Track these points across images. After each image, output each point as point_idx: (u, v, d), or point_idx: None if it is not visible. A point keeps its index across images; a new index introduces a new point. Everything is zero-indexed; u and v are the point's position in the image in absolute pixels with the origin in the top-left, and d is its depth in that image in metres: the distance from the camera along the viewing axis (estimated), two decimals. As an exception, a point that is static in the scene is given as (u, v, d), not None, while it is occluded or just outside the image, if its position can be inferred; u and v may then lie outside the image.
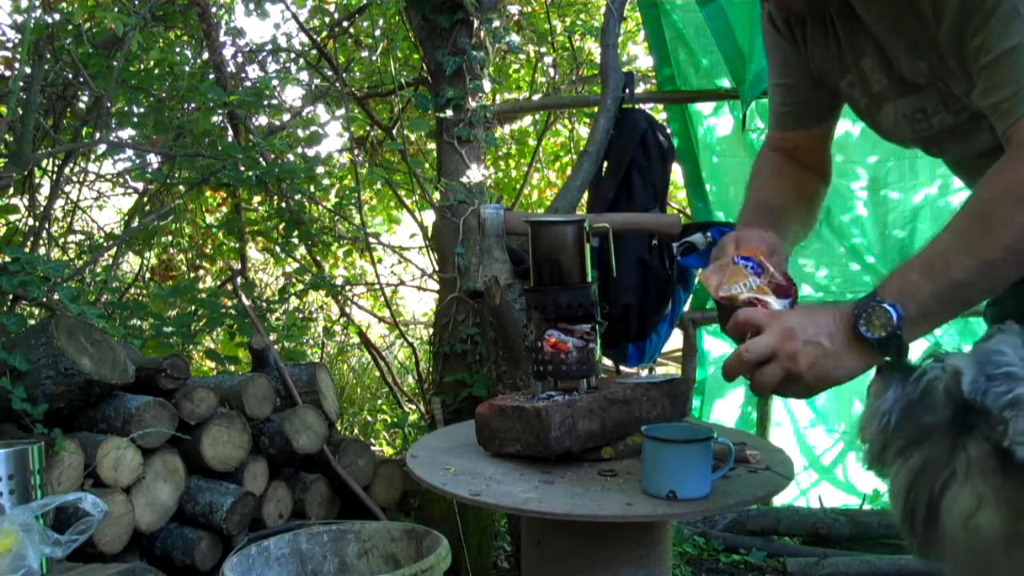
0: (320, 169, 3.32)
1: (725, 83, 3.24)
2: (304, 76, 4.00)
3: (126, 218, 3.98)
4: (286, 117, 3.85)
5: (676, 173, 3.56)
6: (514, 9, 4.38)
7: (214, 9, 3.73)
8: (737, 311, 1.17)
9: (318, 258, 3.94)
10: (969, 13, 1.09)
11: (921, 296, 1.07)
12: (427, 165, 4.00)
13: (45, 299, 2.25)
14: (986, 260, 1.05)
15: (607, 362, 3.12)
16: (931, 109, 1.28)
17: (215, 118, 3.36)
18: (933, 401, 0.98)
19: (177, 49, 3.76)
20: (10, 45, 3.04)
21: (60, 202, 3.69)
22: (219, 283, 4.15)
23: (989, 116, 1.14)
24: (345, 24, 4.07)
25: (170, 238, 4.26)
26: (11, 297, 2.27)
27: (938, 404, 0.97)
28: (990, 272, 1.06)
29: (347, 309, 4.24)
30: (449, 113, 3.09)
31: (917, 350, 1.08)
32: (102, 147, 3.41)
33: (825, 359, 1.07)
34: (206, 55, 3.67)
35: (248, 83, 3.73)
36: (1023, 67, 1.07)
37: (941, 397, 0.97)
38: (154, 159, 3.53)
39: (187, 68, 3.51)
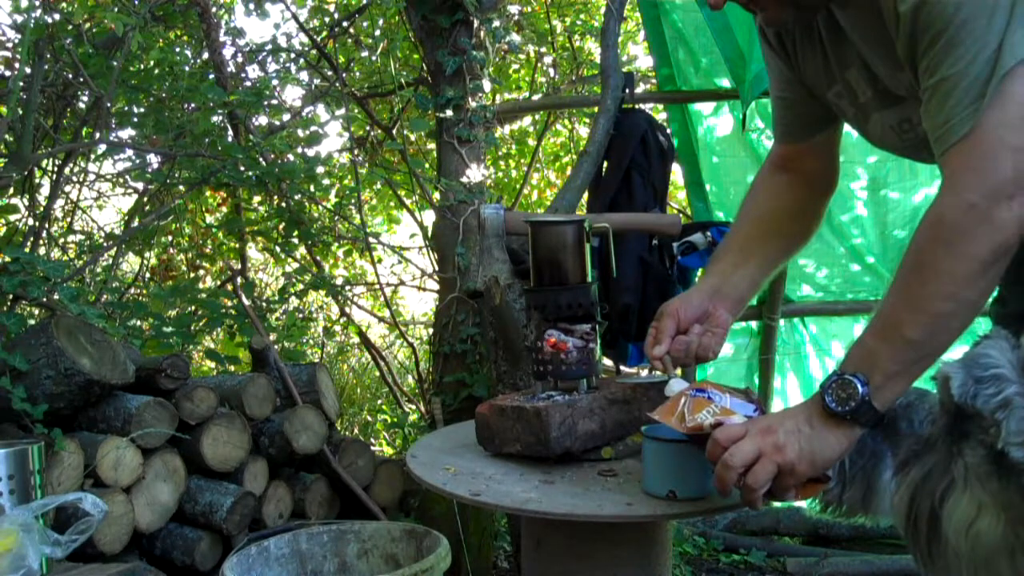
0: (320, 169, 3.32)
1: (725, 83, 3.24)
2: (304, 76, 4.00)
3: (126, 218, 3.98)
4: (286, 117, 3.85)
5: (676, 173, 3.56)
6: (514, 9, 4.38)
7: (214, 9, 3.73)
8: (713, 432, 1.16)
9: (318, 258, 3.94)
10: (918, 34, 1.08)
11: (881, 362, 1.06)
12: (427, 165, 4.00)
13: (45, 299, 2.25)
14: (932, 312, 1.05)
15: (607, 362, 3.12)
16: (915, 119, 1.27)
17: (215, 118, 3.36)
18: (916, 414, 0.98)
19: (177, 49, 3.76)
20: (10, 45, 3.05)
21: (60, 202, 3.69)
22: (219, 283, 4.15)
23: (931, 140, 1.13)
24: (345, 24, 4.07)
25: (170, 238, 4.26)
26: (11, 297, 2.27)
27: (929, 415, 0.97)
28: (941, 323, 1.05)
29: (347, 309, 4.24)
30: (449, 113, 3.09)
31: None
32: (102, 147, 3.41)
33: (810, 442, 1.07)
34: (206, 55, 3.67)
35: (248, 83, 3.73)
36: (957, 97, 1.05)
37: (924, 411, 0.97)
38: (154, 159, 3.53)
39: (187, 68, 3.51)
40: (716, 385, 1.31)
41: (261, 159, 3.10)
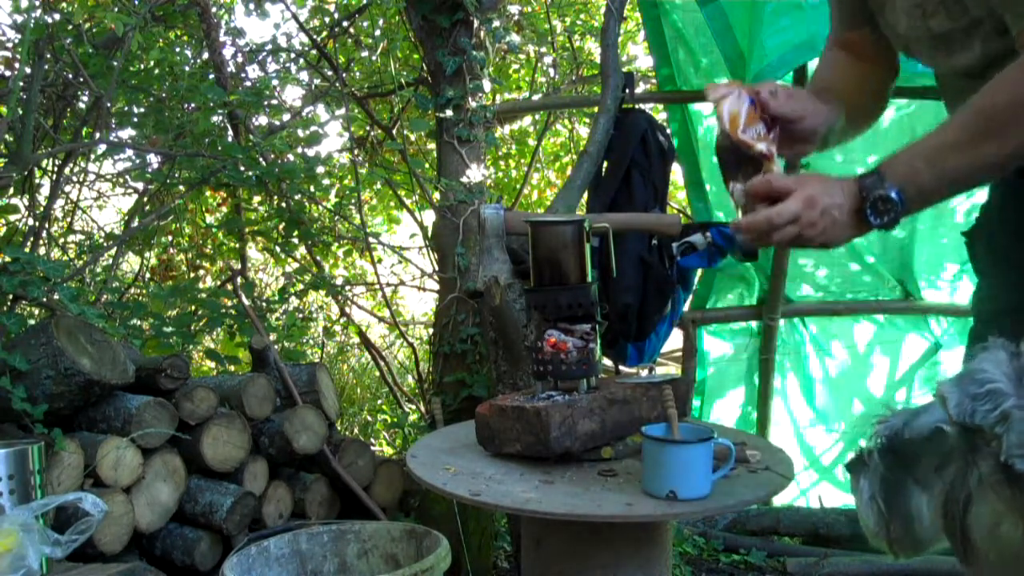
0: (320, 169, 3.32)
1: (725, 83, 3.24)
2: (304, 76, 4.00)
3: (126, 218, 3.98)
4: (286, 117, 3.84)
5: (676, 173, 3.56)
6: (514, 9, 4.38)
7: (214, 9, 3.73)
8: (769, 178, 1.23)
9: (318, 258, 3.94)
10: None
11: (920, 182, 1.16)
12: (427, 165, 4.00)
13: (45, 299, 2.25)
14: (981, 163, 1.14)
15: (607, 362, 3.12)
16: (930, 9, 1.29)
17: (215, 118, 3.36)
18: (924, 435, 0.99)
19: (177, 49, 3.75)
20: (10, 45, 3.04)
21: (60, 202, 3.69)
22: (219, 283, 4.15)
23: (1010, 12, 1.15)
24: (345, 24, 4.07)
25: (170, 238, 4.26)
26: (11, 297, 2.27)
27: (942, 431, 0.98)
28: (983, 171, 1.17)
29: (347, 309, 4.24)
30: (449, 113, 3.09)
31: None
32: (102, 147, 3.41)
33: (834, 228, 1.19)
34: (206, 55, 3.67)
35: (248, 83, 3.73)
36: None
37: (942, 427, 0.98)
38: (154, 159, 3.53)
39: (187, 68, 3.51)
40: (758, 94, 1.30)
41: (261, 159, 3.09)
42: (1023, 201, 1.42)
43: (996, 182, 1.48)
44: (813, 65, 2.61)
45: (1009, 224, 1.48)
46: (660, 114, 3.86)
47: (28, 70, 2.56)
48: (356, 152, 3.99)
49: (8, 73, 3.06)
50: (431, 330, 3.45)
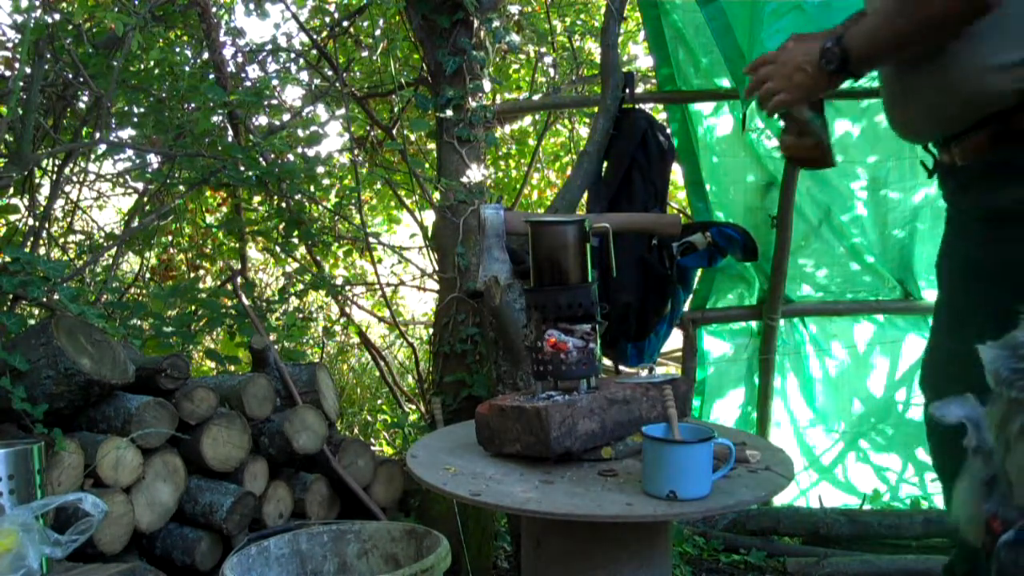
0: (320, 169, 3.32)
1: (725, 83, 3.24)
2: (304, 76, 4.00)
3: (126, 218, 3.98)
4: (286, 117, 3.84)
5: (676, 173, 3.56)
6: (514, 9, 4.38)
7: (214, 9, 3.73)
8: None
9: (318, 258, 3.94)
10: None
11: (859, 45, 1.49)
12: (427, 165, 4.00)
13: (45, 299, 2.25)
14: (897, 32, 1.46)
15: (607, 362, 3.12)
16: None
17: (215, 118, 3.36)
18: None
19: (177, 49, 3.75)
20: (10, 45, 3.04)
21: (60, 202, 3.69)
22: (219, 283, 4.15)
23: None
24: (345, 24, 4.07)
25: (170, 238, 4.26)
26: (11, 297, 2.27)
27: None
28: (900, 39, 1.47)
29: (347, 309, 4.24)
30: (449, 113, 3.09)
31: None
32: (102, 147, 3.41)
33: (803, 77, 1.56)
34: (206, 55, 3.67)
35: (248, 83, 3.73)
36: None
37: None
38: (154, 159, 3.53)
39: (187, 68, 3.51)
40: None
41: (261, 159, 3.09)
42: (964, 240, 1.57)
43: (948, 216, 1.63)
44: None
45: (955, 262, 1.56)
46: (660, 114, 3.86)
47: (28, 70, 2.56)
48: (356, 152, 3.99)
49: (8, 73, 3.06)
50: (431, 330, 3.45)
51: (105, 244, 3.51)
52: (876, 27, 1.49)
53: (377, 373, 4.36)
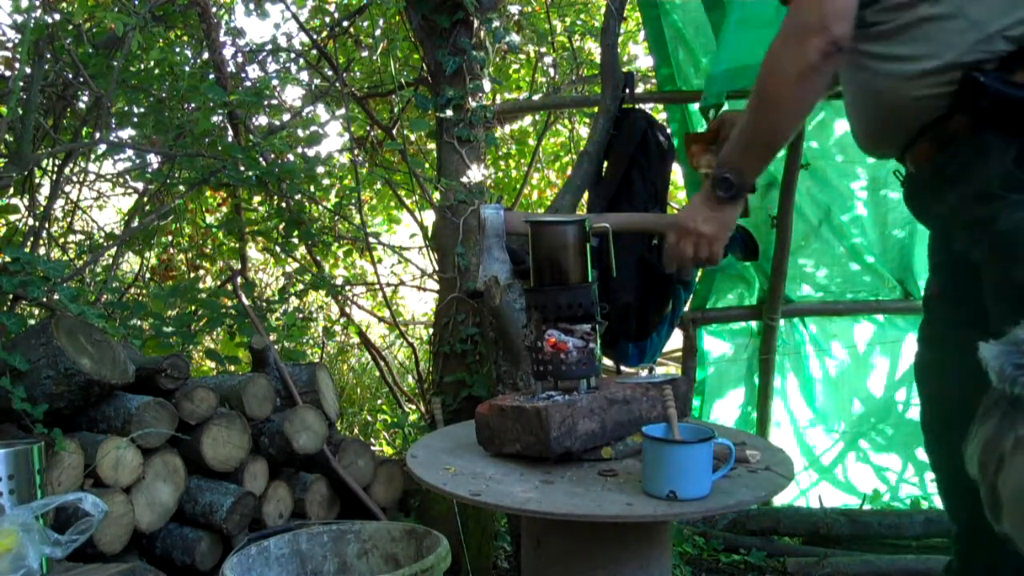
0: (320, 169, 3.32)
1: (725, 83, 3.24)
2: (304, 76, 4.00)
3: (126, 218, 3.98)
4: (286, 117, 3.84)
5: (676, 173, 3.56)
6: (514, 9, 4.38)
7: (214, 9, 3.72)
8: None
9: (318, 258, 3.94)
10: None
11: (737, 161, 1.58)
12: (427, 165, 4.00)
13: (45, 299, 2.25)
14: (771, 129, 1.51)
15: (608, 362, 3.12)
16: None
17: (215, 118, 3.36)
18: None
19: (177, 49, 3.75)
20: (10, 45, 3.04)
21: (60, 202, 3.69)
22: (219, 283, 4.15)
23: None
24: (345, 24, 4.07)
25: (170, 238, 4.26)
26: (11, 297, 2.27)
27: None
28: (775, 134, 1.53)
29: (347, 309, 4.24)
30: (449, 113, 3.09)
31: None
32: (102, 147, 3.41)
33: (707, 222, 1.64)
34: (206, 55, 3.67)
35: (248, 83, 3.73)
36: None
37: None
38: (154, 159, 3.53)
39: (187, 68, 3.51)
40: None
41: (261, 159, 3.09)
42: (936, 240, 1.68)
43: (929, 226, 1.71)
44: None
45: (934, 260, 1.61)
46: (660, 114, 3.85)
47: (28, 70, 2.56)
48: (356, 152, 3.99)
49: (8, 73, 3.06)
50: (431, 330, 3.45)
51: (105, 244, 3.51)
52: (743, 129, 1.54)
53: (377, 373, 4.36)
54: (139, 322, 3.02)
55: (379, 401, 4.58)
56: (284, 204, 3.24)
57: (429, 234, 3.42)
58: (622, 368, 3.08)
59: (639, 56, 4.93)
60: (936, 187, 1.50)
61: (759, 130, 1.52)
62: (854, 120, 1.66)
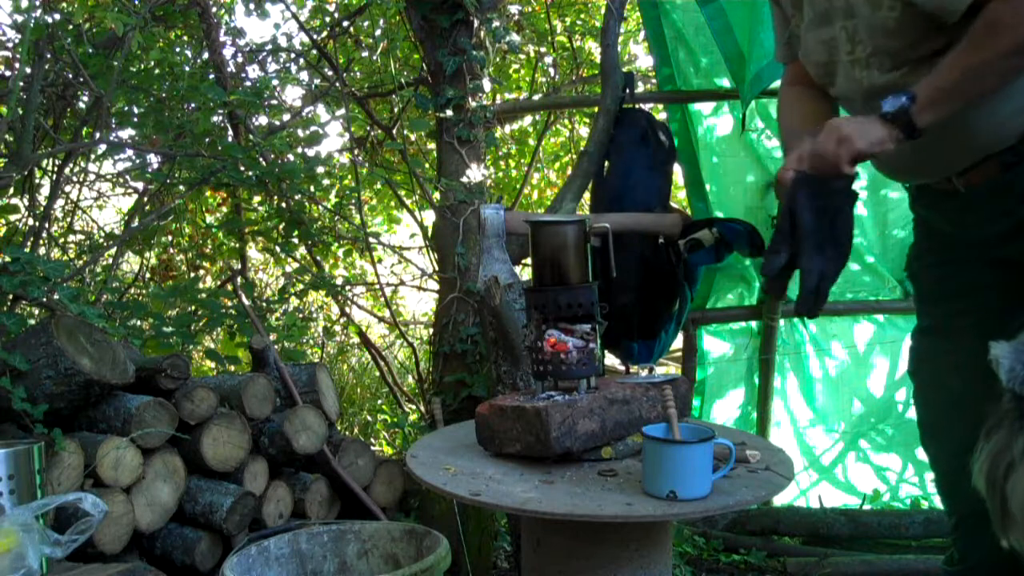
0: (320, 169, 3.32)
1: (725, 83, 3.24)
2: (304, 76, 4.00)
3: (126, 218, 3.98)
4: (286, 117, 3.85)
5: (676, 173, 3.56)
6: (514, 9, 4.38)
7: (214, 9, 3.73)
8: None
9: (318, 258, 3.94)
10: None
11: (926, 88, 1.36)
12: (427, 165, 4.00)
13: (45, 299, 2.25)
14: (980, 63, 1.32)
15: (616, 361, 3.12)
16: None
17: (215, 118, 3.36)
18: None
19: (177, 49, 3.76)
20: (10, 45, 3.05)
21: (60, 202, 3.69)
22: (219, 283, 4.15)
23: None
24: (345, 24, 4.07)
25: (170, 238, 4.26)
26: (11, 297, 2.27)
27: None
28: (983, 75, 1.33)
29: (347, 309, 4.24)
30: (449, 113, 3.09)
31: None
32: (102, 147, 3.41)
33: (862, 126, 1.39)
34: (206, 55, 3.67)
35: (248, 83, 3.73)
36: None
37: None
38: (154, 159, 3.53)
39: (187, 68, 3.51)
40: None
41: (261, 159, 3.09)
42: (966, 256, 1.59)
43: (933, 231, 1.66)
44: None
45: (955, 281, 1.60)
46: (660, 114, 3.85)
47: (28, 70, 2.56)
48: (356, 152, 3.99)
49: (8, 73, 3.07)
50: (431, 330, 3.45)
51: (105, 244, 3.51)
52: (951, 65, 1.35)
53: (377, 373, 4.36)
54: (139, 322, 3.02)
55: (379, 401, 4.58)
56: (284, 204, 3.24)
57: (429, 234, 3.42)
58: (630, 368, 3.09)
59: (639, 56, 4.94)
60: (999, 202, 1.49)
61: (977, 83, 1.34)
62: (909, 159, 1.56)
